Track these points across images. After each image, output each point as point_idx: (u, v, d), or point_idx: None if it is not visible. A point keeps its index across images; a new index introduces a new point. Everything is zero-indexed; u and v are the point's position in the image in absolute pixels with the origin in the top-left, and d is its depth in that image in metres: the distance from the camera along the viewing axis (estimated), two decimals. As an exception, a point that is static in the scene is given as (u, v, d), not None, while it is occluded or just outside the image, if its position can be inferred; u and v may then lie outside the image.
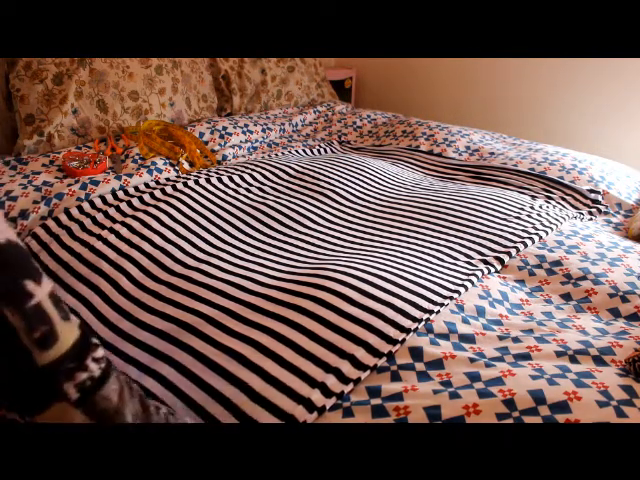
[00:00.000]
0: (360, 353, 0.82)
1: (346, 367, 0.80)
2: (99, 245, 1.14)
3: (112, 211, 1.27)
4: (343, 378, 0.78)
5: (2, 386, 0.49)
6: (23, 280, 0.48)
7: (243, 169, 1.52)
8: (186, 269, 1.07)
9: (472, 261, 1.11)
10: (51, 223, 1.22)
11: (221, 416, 0.74)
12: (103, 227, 1.20)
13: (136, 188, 1.40)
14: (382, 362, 0.82)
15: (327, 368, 0.80)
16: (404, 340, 0.85)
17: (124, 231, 1.17)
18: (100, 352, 0.54)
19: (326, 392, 0.76)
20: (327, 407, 0.74)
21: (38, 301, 0.48)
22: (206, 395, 0.77)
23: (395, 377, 0.80)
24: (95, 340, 0.54)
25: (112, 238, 1.16)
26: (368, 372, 0.80)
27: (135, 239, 1.15)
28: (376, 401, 0.75)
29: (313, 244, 1.20)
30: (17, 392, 0.49)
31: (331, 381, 0.78)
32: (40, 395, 0.50)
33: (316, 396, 0.75)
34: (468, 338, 0.88)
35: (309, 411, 0.73)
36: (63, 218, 1.24)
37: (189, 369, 0.81)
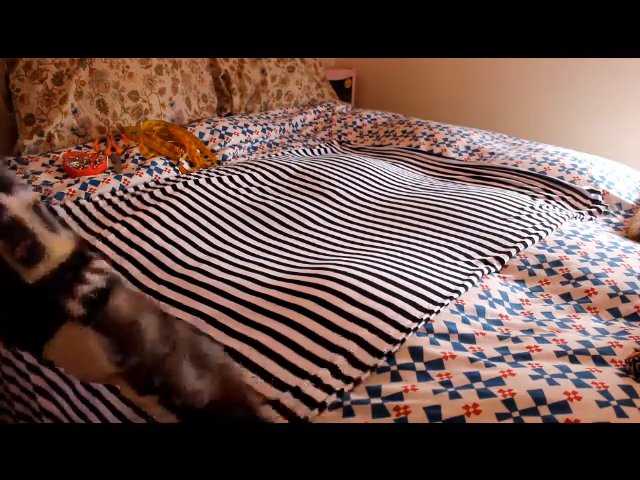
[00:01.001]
0: (360, 353, 0.82)
1: (346, 366, 0.80)
2: (99, 244, 1.14)
3: (112, 210, 1.27)
4: (343, 377, 0.79)
5: (6, 321, 0.44)
6: None
7: (243, 169, 1.52)
8: (186, 269, 1.07)
9: (472, 261, 1.11)
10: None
11: None
12: (103, 226, 1.20)
13: (136, 188, 1.40)
14: (382, 362, 0.82)
15: (327, 367, 0.80)
16: (404, 340, 0.85)
17: (124, 230, 1.17)
18: (102, 263, 0.49)
19: (327, 389, 0.76)
20: (327, 404, 0.74)
21: (13, 214, 0.43)
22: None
23: (395, 377, 0.80)
24: (93, 254, 0.49)
25: (112, 237, 1.16)
26: (369, 373, 0.80)
27: (135, 239, 1.15)
28: (376, 401, 0.75)
29: (313, 244, 1.20)
30: (21, 323, 0.44)
31: (331, 379, 0.78)
32: (43, 320, 0.44)
33: (317, 393, 0.75)
34: (468, 338, 0.88)
35: (310, 408, 0.73)
36: (63, 215, 1.24)
37: None
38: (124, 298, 0.49)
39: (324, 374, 0.79)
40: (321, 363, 0.81)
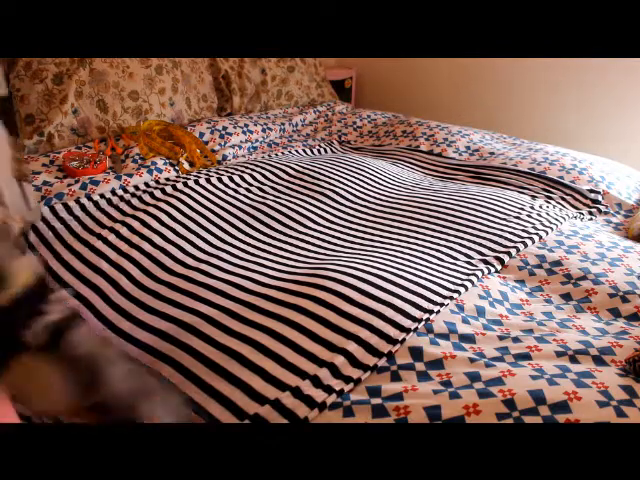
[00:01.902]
0: (360, 353, 0.82)
1: (346, 366, 0.80)
2: (99, 244, 1.14)
3: (112, 210, 1.27)
4: (343, 377, 0.79)
5: None
6: None
7: (243, 169, 1.52)
8: (186, 269, 1.07)
9: (472, 261, 1.11)
10: (49, 215, 1.23)
11: (221, 416, 0.74)
12: (103, 226, 1.20)
13: (136, 188, 1.40)
14: (382, 362, 0.82)
15: (327, 367, 0.80)
16: (404, 340, 0.85)
17: (124, 230, 1.17)
18: (62, 294, 0.47)
19: (327, 389, 0.76)
20: (327, 404, 0.74)
21: None
22: (206, 395, 0.77)
23: (395, 377, 0.80)
24: (53, 284, 0.47)
25: (112, 237, 1.16)
26: (369, 373, 0.80)
27: (135, 239, 1.15)
28: (376, 401, 0.75)
29: (313, 244, 1.20)
30: None
31: (331, 379, 0.78)
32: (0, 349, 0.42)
33: (317, 393, 0.75)
34: (468, 338, 0.88)
35: (310, 408, 0.73)
36: (64, 214, 1.24)
37: (189, 369, 0.81)
38: (85, 331, 0.47)
39: (324, 374, 0.79)
40: (321, 363, 0.80)
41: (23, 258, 0.43)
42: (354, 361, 0.81)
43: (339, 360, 0.81)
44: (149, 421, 0.49)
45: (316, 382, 0.77)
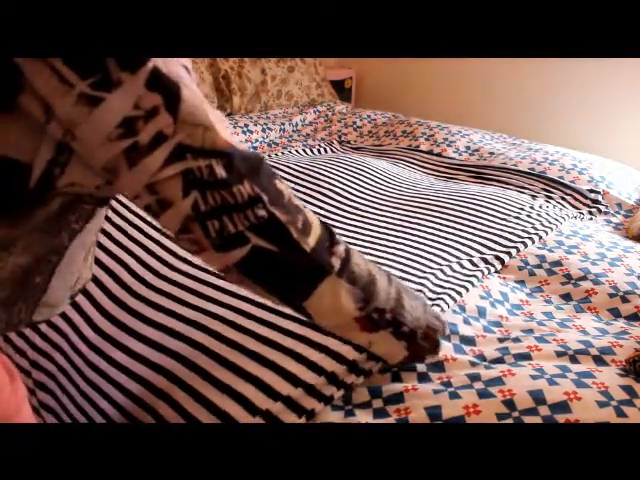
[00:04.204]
0: (360, 357, 0.81)
1: (344, 374, 0.79)
2: (102, 240, 1.13)
3: (110, 212, 1.27)
4: (339, 383, 0.78)
5: (276, 280, 0.55)
6: (274, 180, 0.53)
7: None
8: (190, 266, 1.07)
9: (473, 259, 1.11)
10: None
11: (232, 411, 0.73)
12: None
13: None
14: (378, 366, 0.81)
15: (324, 374, 0.79)
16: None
17: (125, 225, 1.17)
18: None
19: (321, 398, 0.75)
20: (316, 411, 0.74)
21: (289, 196, 0.53)
22: (217, 390, 0.76)
23: (395, 378, 0.80)
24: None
25: (103, 240, 1.15)
26: (362, 378, 0.79)
27: (127, 242, 1.15)
28: (377, 401, 0.75)
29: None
30: (290, 281, 0.55)
31: (327, 387, 0.77)
32: (311, 276, 0.56)
33: (311, 402, 0.74)
34: (469, 340, 0.88)
35: (320, 402, 0.74)
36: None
37: (197, 364, 0.80)
38: (358, 255, 0.61)
39: (320, 381, 0.77)
40: (318, 370, 0.79)
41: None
42: (354, 367, 0.80)
43: (338, 366, 0.80)
44: (405, 312, 0.68)
45: (310, 390, 0.76)
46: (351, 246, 0.61)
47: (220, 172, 0.47)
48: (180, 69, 0.47)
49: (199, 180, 0.47)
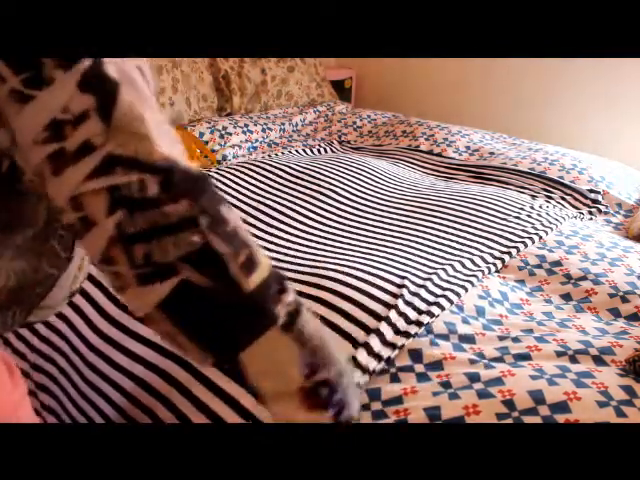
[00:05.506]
0: (361, 357, 0.81)
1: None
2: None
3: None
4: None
5: (207, 324, 0.46)
6: (219, 206, 0.45)
7: (243, 169, 1.52)
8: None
9: (473, 259, 1.11)
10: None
11: (227, 415, 0.74)
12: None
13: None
14: (380, 366, 0.81)
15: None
16: (403, 345, 0.85)
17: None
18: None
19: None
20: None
21: (235, 225, 0.46)
22: (212, 394, 0.77)
23: (394, 379, 0.80)
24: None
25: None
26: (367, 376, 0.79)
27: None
28: (376, 404, 0.75)
29: (316, 241, 1.20)
30: (223, 328, 0.46)
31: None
32: (249, 325, 0.46)
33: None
34: (468, 338, 0.88)
35: None
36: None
37: (196, 368, 0.80)
38: (310, 312, 0.51)
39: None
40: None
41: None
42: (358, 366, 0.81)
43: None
44: (350, 392, 0.53)
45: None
46: (303, 301, 0.51)
47: (153, 189, 0.41)
48: (132, 70, 0.43)
49: (127, 197, 0.41)
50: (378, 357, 0.82)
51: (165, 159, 0.42)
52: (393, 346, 0.84)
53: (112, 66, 0.42)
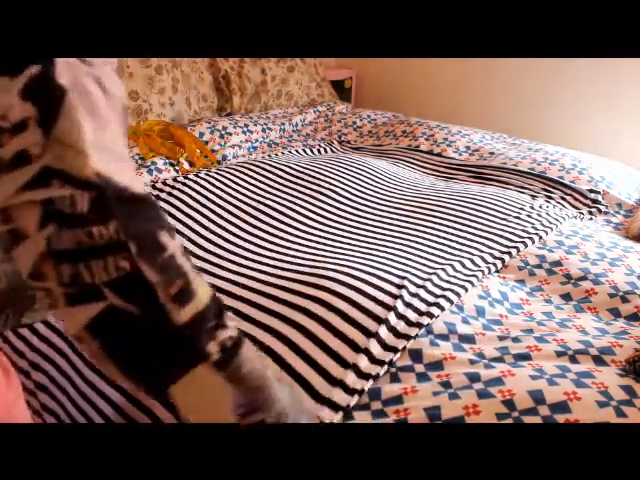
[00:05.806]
0: (363, 362, 0.81)
1: (350, 377, 0.79)
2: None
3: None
4: (348, 389, 0.78)
5: (135, 353, 0.43)
6: (157, 231, 0.43)
7: (243, 169, 1.52)
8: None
9: (474, 259, 1.11)
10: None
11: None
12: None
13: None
14: (383, 370, 0.81)
15: (335, 383, 0.79)
16: (405, 348, 0.84)
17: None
18: (230, 313, 0.49)
19: (347, 390, 0.77)
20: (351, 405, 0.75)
21: (172, 253, 0.43)
22: None
23: (395, 379, 0.80)
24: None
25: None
26: (371, 381, 0.79)
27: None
28: (376, 403, 0.75)
29: (316, 241, 1.20)
30: (152, 358, 0.44)
31: (342, 395, 0.77)
32: (179, 358, 0.44)
33: (338, 396, 0.76)
34: (468, 338, 0.88)
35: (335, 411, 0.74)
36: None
37: None
38: (252, 350, 0.49)
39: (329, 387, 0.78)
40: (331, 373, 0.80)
41: (201, 277, 0.46)
42: (356, 370, 0.81)
43: (341, 371, 0.80)
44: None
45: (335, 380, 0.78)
46: (247, 342, 0.49)
47: (82, 206, 0.39)
48: (89, 82, 0.41)
49: (58, 212, 0.39)
50: (380, 363, 0.82)
51: (98, 175, 0.39)
52: (394, 350, 0.83)
53: (66, 74, 0.40)
